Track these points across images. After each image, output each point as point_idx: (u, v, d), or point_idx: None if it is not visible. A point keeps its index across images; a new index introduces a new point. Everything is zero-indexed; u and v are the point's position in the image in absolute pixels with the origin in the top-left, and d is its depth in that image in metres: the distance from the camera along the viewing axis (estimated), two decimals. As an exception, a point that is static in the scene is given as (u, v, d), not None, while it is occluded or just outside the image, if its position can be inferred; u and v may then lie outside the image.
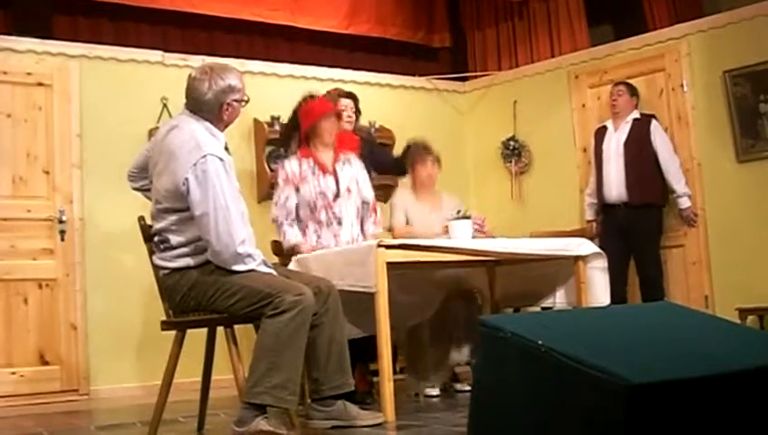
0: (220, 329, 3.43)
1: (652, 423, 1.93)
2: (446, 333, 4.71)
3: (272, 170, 6.09)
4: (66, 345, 5.42)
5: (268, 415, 3.19)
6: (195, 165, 3.20)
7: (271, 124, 6.20)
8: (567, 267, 4.42)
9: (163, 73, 5.94)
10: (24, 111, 5.47)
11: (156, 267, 3.42)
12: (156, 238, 3.40)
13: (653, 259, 5.79)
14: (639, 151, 5.81)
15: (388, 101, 6.93)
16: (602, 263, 4.38)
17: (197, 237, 3.27)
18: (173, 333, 3.44)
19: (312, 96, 4.58)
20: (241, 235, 3.24)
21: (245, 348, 3.41)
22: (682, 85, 6.07)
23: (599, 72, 6.54)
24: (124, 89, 5.83)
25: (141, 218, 3.50)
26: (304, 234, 4.31)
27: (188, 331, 3.43)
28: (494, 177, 7.13)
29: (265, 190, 6.10)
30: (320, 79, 6.51)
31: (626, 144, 5.86)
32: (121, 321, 5.56)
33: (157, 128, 5.23)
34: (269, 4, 6.58)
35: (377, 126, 6.64)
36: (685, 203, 5.83)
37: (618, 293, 5.27)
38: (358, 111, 5.03)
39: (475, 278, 4.79)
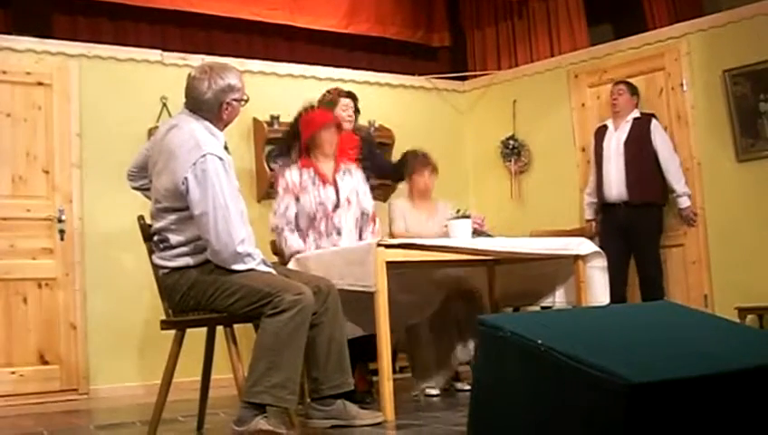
0: (220, 328, 3.43)
1: (652, 423, 1.93)
2: (447, 332, 4.71)
3: (271, 169, 6.09)
4: (66, 345, 5.42)
5: (268, 414, 3.19)
6: (194, 164, 3.20)
7: (270, 123, 6.20)
8: (567, 267, 4.42)
9: (162, 73, 5.94)
10: (24, 110, 5.47)
11: (155, 267, 3.42)
12: (155, 238, 3.40)
13: (653, 258, 5.79)
14: (640, 151, 5.81)
15: (388, 101, 6.93)
16: (602, 262, 4.38)
17: (197, 237, 3.27)
18: (172, 332, 3.44)
19: (312, 106, 4.59)
20: (240, 234, 3.24)
21: (245, 347, 3.41)
22: (682, 84, 6.06)
23: (598, 72, 6.54)
24: (123, 88, 5.83)
25: (141, 218, 3.50)
26: (304, 242, 4.31)
27: (188, 330, 3.43)
28: (494, 176, 7.13)
29: (265, 190, 6.10)
30: (319, 78, 6.51)
31: (626, 143, 5.86)
32: (121, 320, 5.56)
33: (156, 127, 5.23)
34: (268, 4, 6.58)
35: (376, 125, 6.63)
36: (684, 202, 5.83)
37: (617, 292, 5.27)
38: (357, 111, 5.03)
39: (474, 278, 4.79)
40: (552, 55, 6.99)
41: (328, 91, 5.07)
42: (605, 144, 5.98)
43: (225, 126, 3.45)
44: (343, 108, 4.89)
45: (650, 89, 6.19)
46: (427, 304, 4.60)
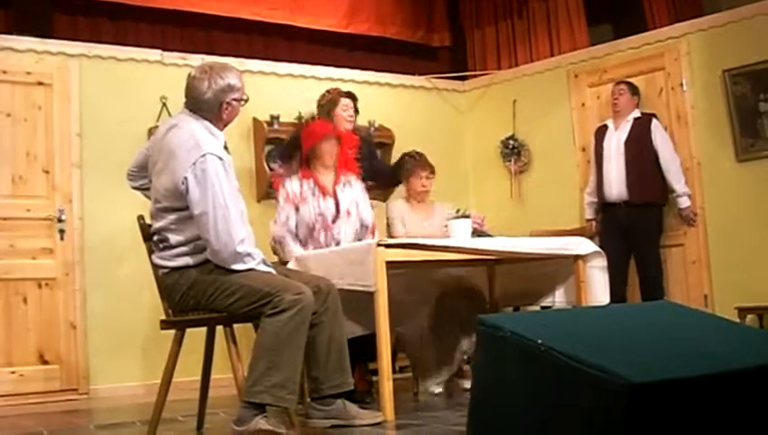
0: (219, 328, 3.43)
1: (652, 423, 1.93)
2: (448, 330, 4.70)
3: (271, 169, 6.10)
4: (66, 344, 5.42)
5: (267, 414, 3.19)
6: (194, 164, 3.20)
7: (270, 123, 6.20)
8: (567, 266, 4.42)
9: (162, 72, 5.94)
10: (24, 110, 5.47)
11: (155, 266, 3.42)
12: (155, 237, 3.40)
13: (653, 258, 5.79)
14: (640, 150, 5.81)
15: (388, 101, 6.93)
16: (602, 262, 4.38)
17: (197, 236, 3.27)
18: (172, 332, 3.44)
19: (313, 117, 4.62)
20: (240, 234, 3.24)
21: (245, 347, 3.41)
22: (682, 84, 6.06)
23: (598, 72, 6.54)
24: (123, 88, 5.83)
25: (141, 217, 3.50)
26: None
27: (188, 330, 3.43)
28: (494, 176, 7.13)
29: (264, 189, 6.11)
30: (319, 78, 6.51)
31: (626, 143, 5.86)
32: (121, 320, 5.57)
33: (156, 127, 5.23)
34: (268, 4, 6.58)
35: (376, 125, 6.64)
36: (684, 202, 5.83)
37: (617, 292, 5.27)
38: (356, 111, 5.03)
39: (474, 277, 4.79)
40: (552, 55, 6.99)
41: (327, 91, 5.08)
42: (605, 144, 5.98)
43: (225, 126, 3.45)
44: (343, 108, 4.90)
45: (650, 89, 6.19)
46: (426, 303, 4.61)
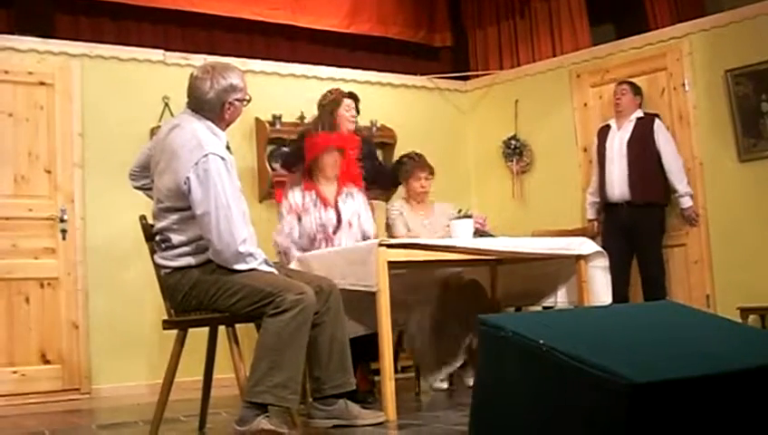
0: (222, 328, 3.43)
1: (654, 422, 1.93)
2: (450, 325, 4.70)
3: (273, 169, 6.11)
4: (67, 344, 5.42)
5: (269, 414, 3.19)
6: (196, 164, 3.20)
7: (272, 123, 6.21)
8: (569, 266, 4.42)
9: (164, 72, 5.95)
10: (26, 110, 5.47)
11: (157, 266, 3.42)
12: (157, 237, 3.40)
13: (655, 258, 5.79)
14: (642, 150, 5.81)
15: (390, 101, 6.93)
16: (604, 262, 4.38)
17: (199, 236, 3.27)
18: (174, 331, 3.44)
19: (316, 128, 4.65)
20: (242, 234, 3.24)
21: (247, 347, 3.42)
22: (684, 84, 6.06)
23: (600, 72, 6.54)
24: (126, 88, 5.83)
25: (143, 217, 3.50)
26: None
27: (190, 330, 3.43)
28: (496, 176, 7.12)
29: (266, 189, 6.11)
30: (320, 78, 6.51)
31: (629, 143, 5.85)
32: (123, 320, 5.57)
33: (158, 127, 5.23)
34: (270, 4, 6.59)
35: (378, 125, 6.64)
36: (686, 203, 5.83)
37: (620, 292, 5.26)
38: (357, 111, 5.04)
39: (474, 272, 4.79)
40: (555, 55, 6.99)
41: (329, 92, 5.08)
42: (608, 144, 5.98)
43: (228, 126, 3.45)
44: (346, 108, 4.90)
45: (652, 89, 6.18)
46: (427, 298, 4.62)
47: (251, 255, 3.27)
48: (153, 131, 5.50)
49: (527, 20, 7.29)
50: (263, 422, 3.13)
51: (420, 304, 4.60)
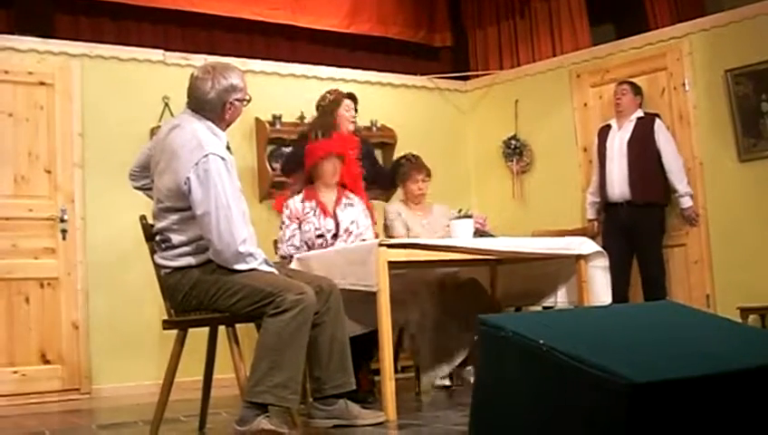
0: (222, 328, 3.43)
1: (654, 422, 1.93)
2: (449, 322, 4.70)
3: (273, 169, 6.11)
4: (68, 344, 5.42)
5: (270, 414, 3.19)
6: (197, 164, 3.20)
7: (272, 123, 6.21)
8: (569, 266, 4.42)
9: (164, 72, 5.95)
10: (26, 110, 5.48)
11: (157, 266, 3.42)
12: (157, 237, 3.40)
13: (655, 258, 5.79)
14: (643, 150, 5.81)
15: (390, 101, 6.93)
16: (604, 262, 4.38)
17: (199, 236, 3.27)
18: (174, 332, 3.44)
19: (317, 135, 4.66)
20: (242, 234, 3.24)
21: (247, 347, 3.42)
22: (684, 84, 6.06)
23: (600, 72, 6.54)
24: (125, 88, 5.83)
25: (143, 217, 3.50)
26: None
27: (190, 330, 3.43)
28: (496, 176, 7.12)
29: (267, 189, 6.11)
30: (320, 78, 6.51)
31: (629, 143, 5.86)
32: (123, 320, 5.57)
33: (158, 127, 5.23)
34: (270, 4, 6.59)
35: (378, 125, 6.64)
36: (686, 203, 5.83)
37: (620, 292, 5.27)
38: (356, 112, 5.05)
39: (472, 271, 4.79)
40: (555, 55, 6.99)
41: (328, 92, 5.08)
42: (608, 143, 5.98)
43: (228, 126, 3.45)
44: (346, 108, 4.91)
45: (652, 89, 6.18)
46: (427, 295, 4.62)
47: (251, 255, 3.27)
48: (153, 131, 5.50)
49: (527, 20, 7.29)
50: (263, 422, 3.13)
51: (419, 303, 4.60)
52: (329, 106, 4.91)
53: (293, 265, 4.04)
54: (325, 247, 4.36)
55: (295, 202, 4.51)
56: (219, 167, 3.22)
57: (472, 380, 4.69)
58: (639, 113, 5.95)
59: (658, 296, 5.52)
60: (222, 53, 5.86)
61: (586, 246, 4.35)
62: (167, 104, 5.83)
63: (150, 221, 3.47)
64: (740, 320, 5.39)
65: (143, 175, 3.54)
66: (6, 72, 5.43)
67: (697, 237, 5.93)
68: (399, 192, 5.28)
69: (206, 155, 3.21)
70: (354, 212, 4.54)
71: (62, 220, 5.49)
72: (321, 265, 3.92)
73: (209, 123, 3.36)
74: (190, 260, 3.32)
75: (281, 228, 4.52)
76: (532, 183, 6.94)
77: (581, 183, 6.51)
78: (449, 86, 7.35)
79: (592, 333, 2.24)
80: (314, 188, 4.53)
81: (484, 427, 2.35)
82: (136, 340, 5.56)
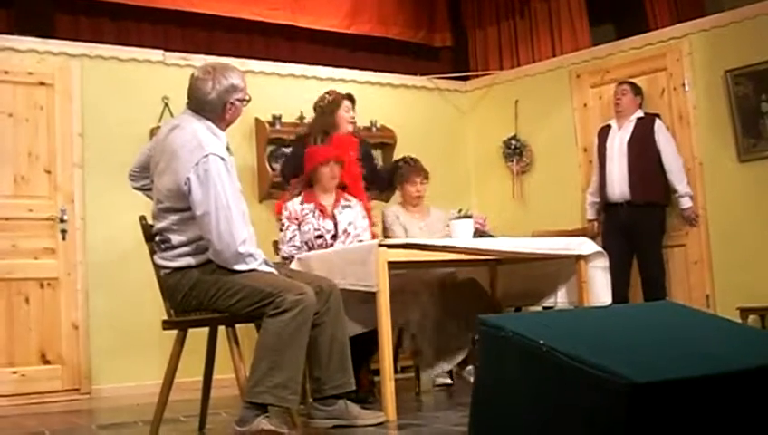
0: (221, 328, 3.43)
1: (654, 423, 1.93)
2: (449, 321, 4.70)
3: (273, 169, 6.11)
4: (68, 345, 5.42)
5: (269, 414, 3.19)
6: (197, 164, 3.20)
7: (272, 123, 6.21)
8: (568, 267, 4.42)
9: (164, 73, 5.95)
10: (26, 110, 5.48)
11: (157, 267, 3.42)
12: (157, 238, 3.40)
13: (655, 259, 5.79)
14: (643, 150, 5.81)
15: (390, 101, 6.93)
16: (604, 262, 4.38)
17: (199, 237, 3.28)
18: (174, 332, 3.44)
19: (316, 141, 4.72)
20: (242, 234, 3.24)
21: (247, 347, 3.41)
22: (684, 84, 6.06)
23: (600, 72, 6.54)
24: (125, 88, 5.83)
25: (143, 218, 3.50)
26: None
27: (190, 330, 3.43)
28: (496, 176, 7.12)
29: (266, 190, 6.11)
30: (320, 78, 6.51)
31: (629, 143, 5.86)
32: (123, 320, 5.57)
33: (158, 127, 5.23)
34: (269, 4, 6.59)
35: (378, 125, 6.64)
36: (686, 203, 5.83)
37: (619, 292, 5.27)
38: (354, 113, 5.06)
39: (472, 271, 4.79)
40: (554, 55, 6.99)
41: (327, 93, 5.08)
42: (608, 144, 5.98)
43: (228, 126, 3.46)
44: (346, 109, 4.91)
45: (652, 89, 6.19)
46: (426, 294, 4.62)
47: (251, 255, 3.27)
48: (153, 132, 5.50)
49: (527, 20, 7.29)
50: (263, 423, 3.13)
51: (419, 303, 4.60)
52: (328, 107, 4.92)
53: (294, 266, 4.04)
54: (325, 248, 4.36)
55: (294, 204, 4.54)
56: (219, 167, 3.22)
57: (472, 379, 4.70)
58: (639, 113, 5.96)
59: (658, 297, 5.52)
60: (221, 54, 5.86)
61: (586, 246, 4.35)
62: (166, 104, 5.83)
63: (150, 221, 3.47)
64: (740, 320, 5.39)
65: (143, 175, 3.54)
66: (6, 73, 5.43)
67: (697, 238, 5.93)
68: (397, 195, 5.28)
69: (206, 155, 3.21)
70: (351, 214, 4.57)
71: (62, 220, 5.49)
72: (321, 265, 3.92)
73: (209, 123, 3.36)
74: (190, 260, 3.32)
75: (281, 230, 4.54)
76: (532, 183, 6.94)
77: (581, 183, 6.51)
78: (449, 86, 7.35)
79: (592, 334, 2.24)
80: (313, 192, 4.56)
81: (483, 427, 2.35)
82: (136, 340, 5.55)
